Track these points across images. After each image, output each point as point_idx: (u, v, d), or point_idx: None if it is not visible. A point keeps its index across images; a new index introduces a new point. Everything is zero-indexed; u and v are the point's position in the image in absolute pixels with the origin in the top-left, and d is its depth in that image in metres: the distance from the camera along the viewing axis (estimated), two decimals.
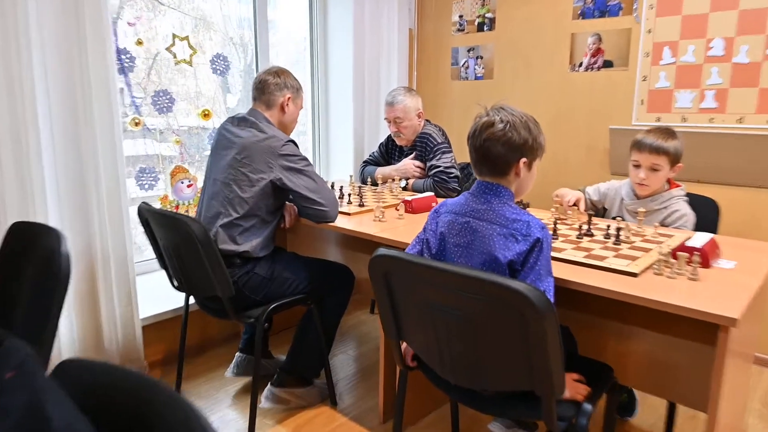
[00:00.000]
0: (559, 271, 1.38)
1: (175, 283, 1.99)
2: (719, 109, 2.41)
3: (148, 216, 1.85)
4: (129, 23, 2.56)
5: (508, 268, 1.26)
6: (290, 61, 3.26)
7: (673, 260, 1.42)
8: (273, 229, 1.95)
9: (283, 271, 1.92)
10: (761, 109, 2.31)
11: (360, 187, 2.57)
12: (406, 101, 2.58)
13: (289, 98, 2.02)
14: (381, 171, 2.71)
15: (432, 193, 2.27)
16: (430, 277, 1.19)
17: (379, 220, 1.98)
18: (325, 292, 2.00)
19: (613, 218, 1.94)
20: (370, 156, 2.92)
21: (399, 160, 2.73)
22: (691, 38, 2.46)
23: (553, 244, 1.58)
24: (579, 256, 1.49)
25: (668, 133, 1.85)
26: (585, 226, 1.75)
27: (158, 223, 1.82)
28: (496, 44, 3.13)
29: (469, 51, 3.26)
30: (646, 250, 1.55)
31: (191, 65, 2.74)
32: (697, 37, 2.44)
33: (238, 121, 1.97)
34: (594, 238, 1.69)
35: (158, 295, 2.33)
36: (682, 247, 1.46)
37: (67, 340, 2.03)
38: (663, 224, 1.86)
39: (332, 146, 3.31)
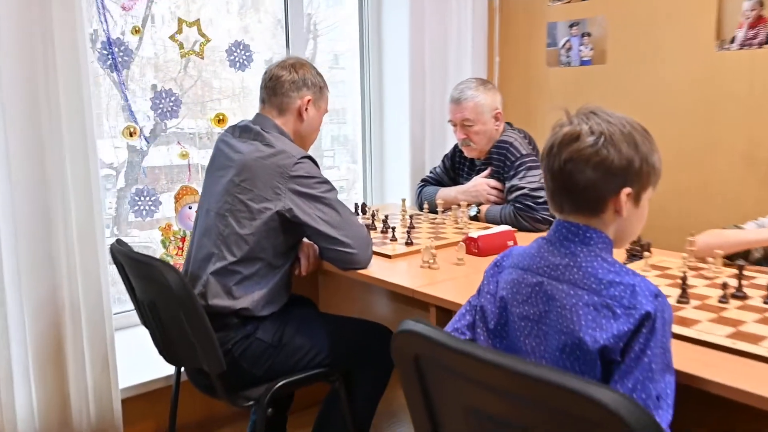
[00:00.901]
0: (684, 358, 1.21)
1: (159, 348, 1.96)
2: None
3: (121, 259, 1.83)
4: (123, 7, 2.61)
5: (601, 358, 1.12)
6: (350, 49, 3.31)
7: None
8: (283, 278, 1.91)
9: (296, 335, 1.87)
10: None
11: (411, 216, 2.50)
12: (479, 97, 2.54)
13: (309, 101, 2.00)
14: (443, 193, 2.67)
15: (509, 227, 2.16)
16: (476, 373, 1.06)
17: (429, 267, 1.91)
18: (356, 365, 1.94)
19: None
20: (431, 172, 2.90)
21: (469, 179, 2.67)
22: None
23: (680, 313, 1.43)
24: (720, 334, 1.33)
25: None
26: (733, 282, 1.58)
27: (132, 270, 1.82)
28: (608, 16, 3.04)
29: (571, 27, 3.19)
30: None
31: (202, 57, 2.79)
32: None
33: (239, 131, 1.96)
34: (746, 302, 1.53)
35: (144, 356, 2.31)
36: None
37: (25, 416, 2.03)
38: None
39: (387, 159, 3.30)
